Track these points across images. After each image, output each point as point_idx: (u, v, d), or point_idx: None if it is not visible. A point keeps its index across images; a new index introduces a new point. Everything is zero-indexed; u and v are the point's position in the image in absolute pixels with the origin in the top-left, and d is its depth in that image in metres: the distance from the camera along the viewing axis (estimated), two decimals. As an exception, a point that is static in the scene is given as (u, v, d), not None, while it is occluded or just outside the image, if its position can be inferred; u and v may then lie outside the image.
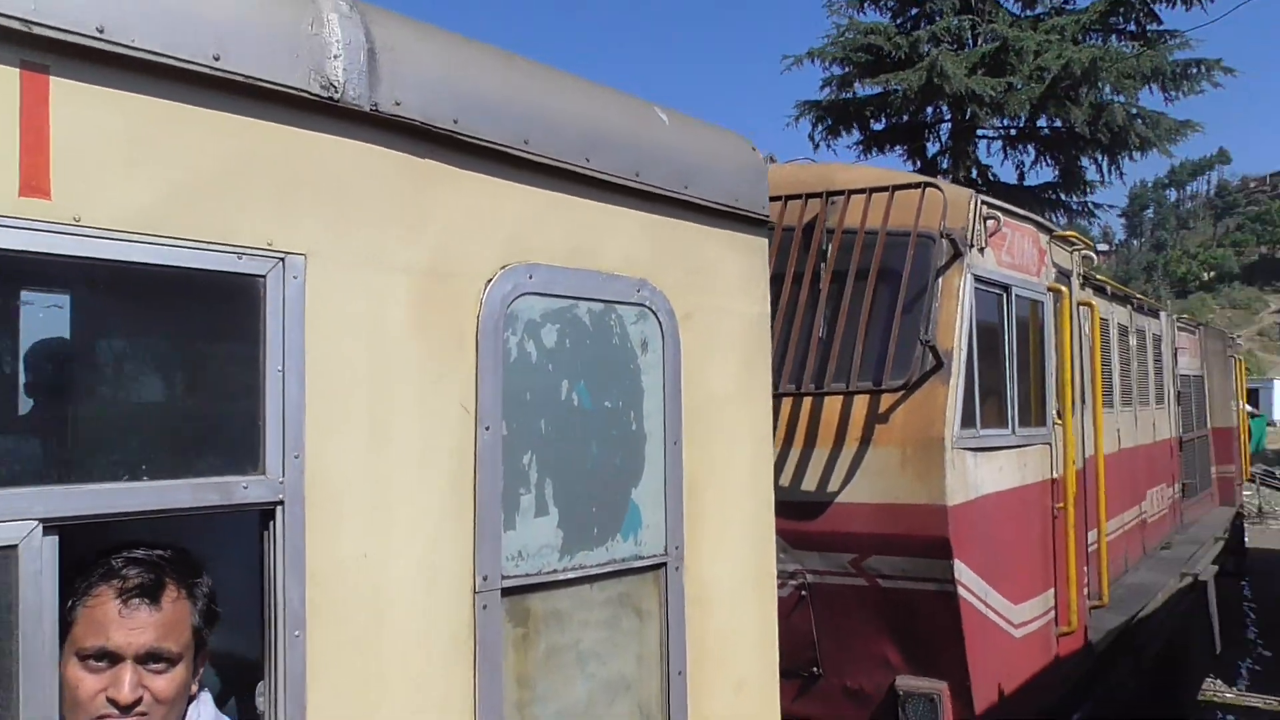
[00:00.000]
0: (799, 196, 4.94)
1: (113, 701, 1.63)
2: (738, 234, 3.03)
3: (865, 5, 21.28)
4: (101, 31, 1.67)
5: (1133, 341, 9.34)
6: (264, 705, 1.89)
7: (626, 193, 2.65)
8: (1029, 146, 21.77)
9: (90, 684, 1.63)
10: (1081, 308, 6.50)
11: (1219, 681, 10.67)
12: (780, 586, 3.79)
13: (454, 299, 2.22)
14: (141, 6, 1.73)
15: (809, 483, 4.64)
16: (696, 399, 2.79)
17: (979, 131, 21.11)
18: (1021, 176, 21.85)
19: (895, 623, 4.63)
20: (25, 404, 1.79)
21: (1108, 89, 19.47)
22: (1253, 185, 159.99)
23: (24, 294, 1.71)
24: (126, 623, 1.65)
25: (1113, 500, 7.09)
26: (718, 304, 2.92)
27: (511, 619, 2.29)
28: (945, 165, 21.42)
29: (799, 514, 4.49)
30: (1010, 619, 4.95)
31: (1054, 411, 5.63)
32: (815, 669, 4.77)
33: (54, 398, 1.75)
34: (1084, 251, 6.52)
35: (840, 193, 4.89)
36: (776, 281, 3.34)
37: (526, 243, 2.39)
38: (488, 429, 2.24)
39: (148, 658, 1.67)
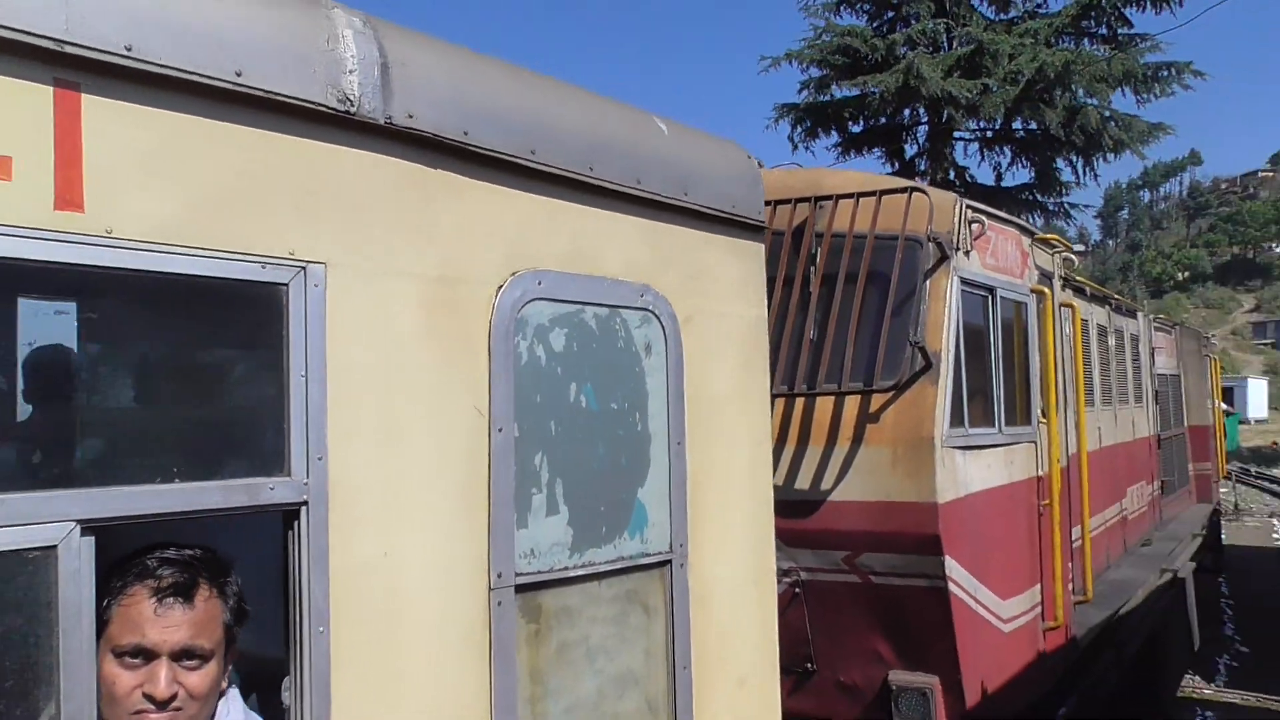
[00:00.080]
0: (788, 201, 5.03)
1: (149, 697, 1.68)
2: (735, 239, 3.10)
3: (841, 8, 21.45)
4: (130, 50, 1.73)
5: (1111, 341, 9.49)
6: (289, 699, 1.95)
7: (628, 200, 2.72)
8: (1005, 148, 21.98)
9: (127, 680, 1.69)
10: (1063, 309, 6.63)
11: (1197, 678, 10.82)
12: (775, 584, 3.85)
13: (465, 305, 2.29)
14: (167, 26, 1.79)
15: (802, 481, 4.73)
16: (698, 400, 2.86)
17: (956, 134, 21.31)
18: (999, 178, 22.08)
19: (887, 618, 4.72)
20: (63, 410, 1.84)
21: (1081, 92, 19.73)
22: (1224, 186, 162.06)
23: (60, 305, 1.76)
24: (161, 621, 1.71)
25: (1095, 497, 7.22)
26: (717, 307, 3.00)
27: (524, 615, 2.35)
28: (923, 167, 21.59)
29: (792, 512, 4.57)
30: (999, 614, 5.05)
31: (1038, 410, 5.75)
32: (809, 665, 4.85)
33: (89, 404, 1.80)
34: (1065, 254, 6.65)
35: (829, 197, 4.99)
36: (767, 285, 3.42)
37: (533, 249, 2.45)
38: (500, 431, 2.30)
39: (182, 655, 1.72)
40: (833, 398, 4.75)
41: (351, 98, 2.06)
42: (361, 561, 2.02)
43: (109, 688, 1.68)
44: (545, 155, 2.46)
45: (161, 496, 1.74)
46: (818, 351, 4.73)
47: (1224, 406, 20.32)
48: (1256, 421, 63.39)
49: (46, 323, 1.77)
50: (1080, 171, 21.55)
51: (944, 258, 4.77)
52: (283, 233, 1.94)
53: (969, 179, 21.69)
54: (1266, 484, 31.71)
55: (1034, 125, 20.61)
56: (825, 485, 4.72)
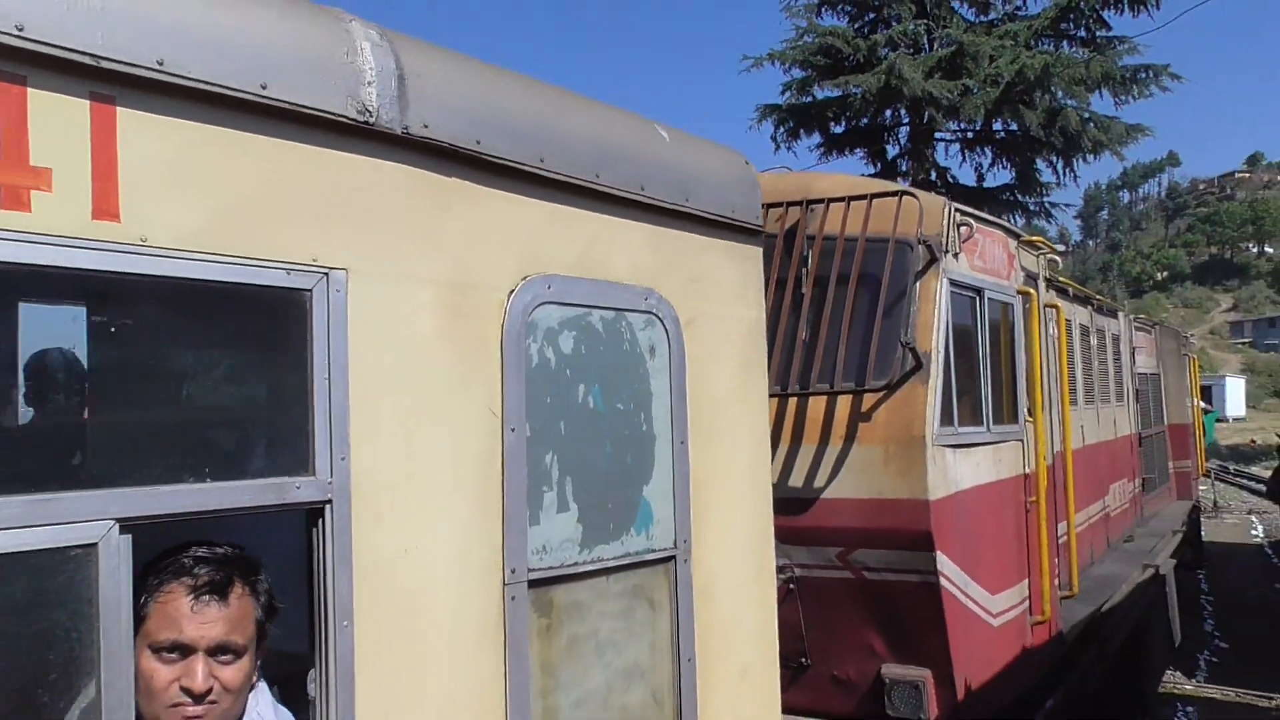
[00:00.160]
0: (780, 205, 5.12)
1: (186, 690, 1.74)
2: (734, 243, 3.18)
3: (823, 9, 21.58)
4: (162, 64, 1.79)
5: (1093, 341, 9.64)
6: (315, 691, 2.01)
7: (632, 205, 2.79)
8: (986, 149, 22.16)
9: (164, 674, 1.75)
10: (1048, 309, 6.75)
11: (1178, 674, 10.95)
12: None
13: (479, 309, 2.36)
14: (197, 39, 1.85)
15: (796, 480, 4.82)
16: (700, 400, 2.94)
17: (937, 135, 21.48)
18: (980, 179, 22.26)
19: (880, 613, 4.82)
20: (100, 412, 1.90)
21: (1060, 94, 19.94)
22: (1202, 187, 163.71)
23: (97, 311, 1.82)
24: (198, 618, 1.77)
25: (1079, 494, 7.34)
26: (717, 310, 3.08)
27: (536, 610, 2.43)
28: (905, 168, 21.75)
29: (786, 510, 4.64)
30: (989, 609, 5.15)
31: (1025, 409, 5.86)
32: (803, 659, 4.93)
33: (125, 406, 1.86)
34: (1049, 256, 6.78)
35: (820, 200, 5.08)
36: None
37: (543, 254, 2.53)
38: (513, 431, 2.37)
39: (217, 650, 1.79)
40: (825, 397, 4.85)
41: (370, 108, 2.13)
42: (383, 558, 2.09)
43: (147, 682, 1.74)
44: (554, 163, 2.53)
45: (195, 496, 1.80)
46: (810, 352, 4.82)
47: (1203, 405, 20.57)
48: (1234, 420, 64.04)
49: (84, 329, 1.83)
50: (1060, 172, 21.77)
51: (933, 260, 4.87)
52: (306, 240, 2.01)
53: (950, 180, 21.86)
54: (1245, 481, 32.08)
55: (1014, 126, 20.80)
56: (819, 483, 4.81)
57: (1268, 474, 25.17)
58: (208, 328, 1.94)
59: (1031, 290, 6.13)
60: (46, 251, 1.64)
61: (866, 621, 4.86)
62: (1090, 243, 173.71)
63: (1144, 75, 20.42)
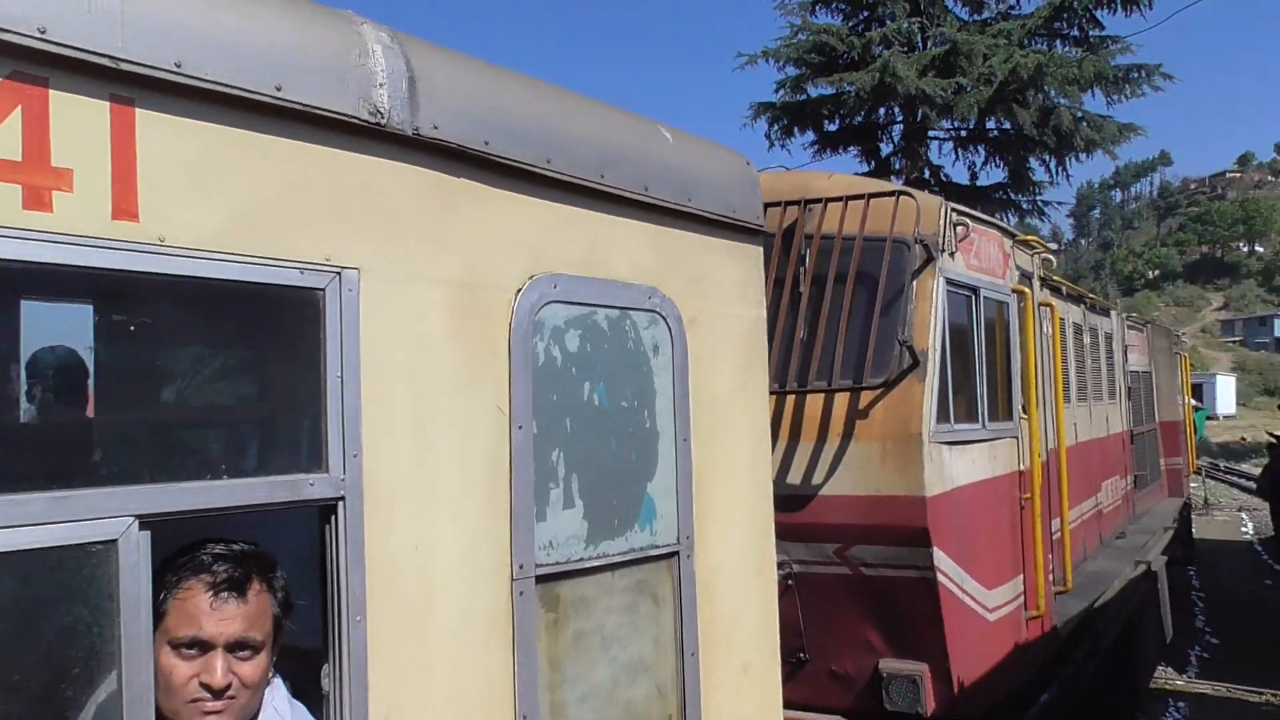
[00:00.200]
0: (778, 204, 5.15)
1: (206, 686, 1.77)
2: (735, 242, 3.22)
3: (817, 7, 21.61)
4: (179, 66, 1.82)
5: (1086, 339, 9.70)
6: (328, 685, 2.04)
7: (636, 206, 2.82)
8: (979, 148, 22.21)
9: (184, 670, 1.78)
10: (1042, 308, 6.80)
11: (1169, 670, 11.02)
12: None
13: (486, 308, 2.39)
14: (213, 42, 1.88)
15: (794, 477, 4.86)
16: (702, 398, 2.97)
17: (931, 133, 21.53)
18: (974, 177, 22.33)
19: (878, 609, 4.86)
20: (119, 410, 1.92)
21: (1053, 93, 20.01)
22: (1193, 186, 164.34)
23: (117, 310, 1.85)
24: (217, 614, 1.79)
25: (1072, 491, 7.40)
26: (719, 309, 3.11)
27: (544, 605, 2.46)
28: (898, 166, 21.80)
29: (785, 506, 4.67)
30: (984, 604, 5.20)
31: (1020, 407, 5.91)
32: (801, 654, 4.98)
33: (142, 404, 1.89)
34: (1043, 255, 6.83)
35: (818, 200, 5.12)
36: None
37: (549, 254, 2.56)
38: (520, 428, 2.40)
39: (235, 646, 1.81)
40: (823, 395, 4.89)
41: (381, 110, 2.16)
42: (394, 553, 2.12)
43: (166, 677, 1.77)
44: (560, 164, 2.56)
45: (212, 492, 1.83)
46: (808, 350, 4.86)
47: (1193, 403, 20.69)
48: (1225, 417, 64.35)
49: (104, 328, 1.86)
50: (1053, 171, 21.85)
51: (930, 259, 4.91)
52: (319, 240, 2.03)
53: (944, 178, 21.91)
54: (1235, 479, 32.27)
55: (1007, 125, 20.87)
56: (816, 480, 4.85)
57: (1258, 471, 25.31)
58: (224, 327, 1.97)
59: (1026, 289, 6.18)
60: (68, 251, 1.67)
61: (864, 617, 4.90)
62: (1082, 241, 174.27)
63: (1136, 75, 20.51)
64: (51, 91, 1.67)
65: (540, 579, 2.43)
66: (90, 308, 1.89)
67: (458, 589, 2.25)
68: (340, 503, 2.02)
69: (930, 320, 4.83)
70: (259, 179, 1.95)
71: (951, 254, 5.06)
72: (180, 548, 1.87)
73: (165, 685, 1.77)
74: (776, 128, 21.89)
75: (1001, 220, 6.52)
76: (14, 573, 1.60)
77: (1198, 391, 31.10)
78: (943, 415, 4.86)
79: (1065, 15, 20.64)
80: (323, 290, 2.03)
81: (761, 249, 3.35)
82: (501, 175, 2.44)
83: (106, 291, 1.80)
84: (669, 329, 2.87)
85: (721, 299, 3.14)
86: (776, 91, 21.65)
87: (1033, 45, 20.50)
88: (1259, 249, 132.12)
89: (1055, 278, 8.55)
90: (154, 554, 1.76)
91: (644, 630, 2.76)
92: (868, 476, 4.75)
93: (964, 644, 4.90)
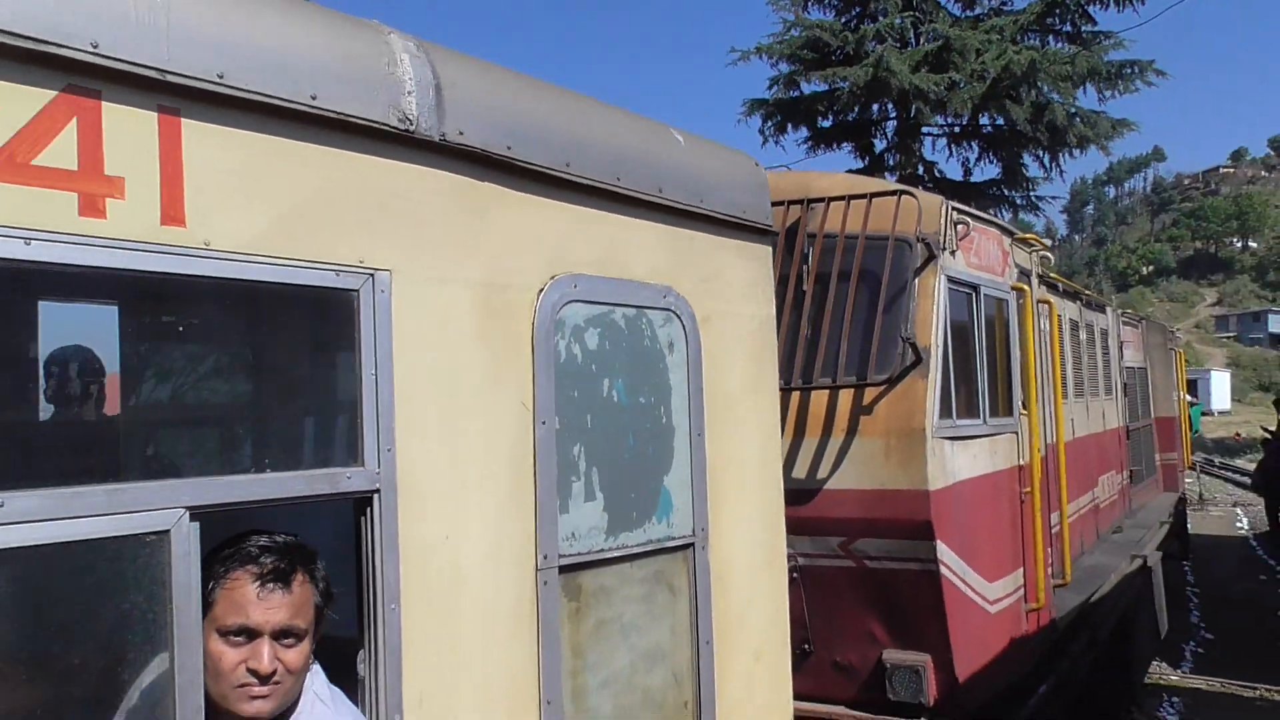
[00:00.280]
0: (781, 203, 5.23)
1: (253, 672, 1.85)
2: (745, 242, 3.30)
3: (809, 3, 21.67)
4: (222, 77, 1.90)
5: (1083, 336, 9.80)
6: (364, 670, 2.13)
7: (651, 207, 2.91)
8: (973, 144, 22.28)
9: (232, 656, 1.86)
10: (1041, 305, 6.89)
11: (1164, 665, 11.10)
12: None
13: (510, 308, 2.47)
14: (253, 53, 1.95)
15: (799, 471, 4.95)
16: (715, 395, 3.06)
17: (924, 129, 21.61)
18: (967, 173, 22.41)
19: (881, 601, 4.95)
20: (169, 406, 2.00)
21: (1046, 88, 20.11)
22: (1187, 182, 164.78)
23: (165, 313, 1.93)
24: (264, 604, 1.87)
25: (1070, 486, 7.49)
26: (730, 308, 3.19)
27: (566, 594, 2.54)
28: (892, 162, 21.86)
29: (790, 501, 4.71)
30: (986, 596, 5.29)
31: (1019, 402, 6.00)
32: (806, 646, 5.06)
33: (190, 400, 1.97)
34: (1042, 252, 6.93)
35: (821, 199, 5.20)
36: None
37: (569, 254, 2.64)
38: (544, 424, 2.49)
39: (281, 634, 1.89)
40: (827, 391, 4.98)
41: (410, 117, 2.24)
42: (426, 544, 2.20)
43: (215, 663, 1.85)
44: (579, 167, 2.64)
45: (256, 485, 1.91)
46: (813, 347, 4.95)
47: (1189, 398, 20.80)
48: (1220, 413, 64.59)
49: (151, 329, 1.93)
50: (1047, 166, 21.94)
51: (932, 257, 5.00)
52: (353, 243, 2.11)
53: (938, 174, 21.99)
54: (1230, 474, 32.43)
55: (1001, 121, 20.96)
56: (821, 475, 4.94)
57: (1252, 467, 25.45)
58: (264, 328, 2.05)
59: (1025, 286, 6.27)
60: (122, 256, 1.74)
61: (868, 609, 4.99)
62: (1076, 237, 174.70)
63: (1129, 71, 20.60)
64: (104, 103, 1.75)
65: (563, 569, 2.51)
66: (140, 310, 1.97)
67: (486, 578, 2.34)
68: (375, 495, 2.10)
69: (932, 317, 4.92)
70: (296, 184, 2.03)
71: (953, 252, 5.15)
72: (225, 540, 1.95)
73: (214, 670, 1.85)
74: (770, 124, 21.95)
75: (995, 216, 6.61)
76: (74, 561, 1.68)
77: (1193, 387, 31.22)
78: (945, 411, 4.94)
79: (1058, 11, 20.73)
80: (357, 291, 2.11)
81: (770, 249, 3.43)
82: (523, 179, 2.52)
83: (155, 294, 1.87)
84: (683, 327, 2.95)
85: (733, 298, 3.22)
86: (770, 88, 21.73)
87: (1025, 41, 20.58)
88: (1253, 244, 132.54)
89: (1052, 274, 8.64)
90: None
91: (661, 619, 2.85)
92: (872, 471, 4.84)
93: (966, 635, 4.99)
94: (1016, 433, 5.91)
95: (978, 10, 21.69)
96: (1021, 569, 5.87)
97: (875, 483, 4.83)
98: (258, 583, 1.87)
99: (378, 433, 2.11)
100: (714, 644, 2.97)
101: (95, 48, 1.72)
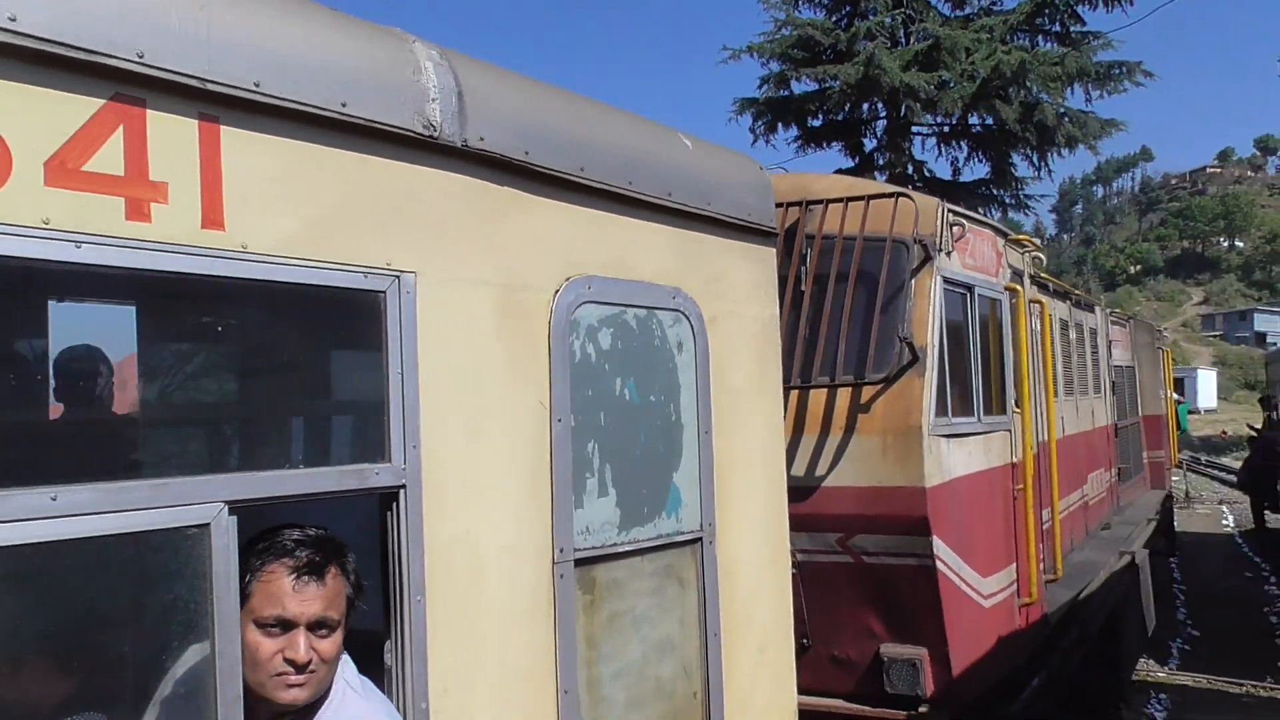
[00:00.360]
0: (780, 205, 5.31)
1: (290, 661, 1.93)
2: (750, 244, 3.38)
3: (800, 2, 21.75)
4: (258, 85, 1.97)
5: (1072, 335, 9.92)
6: (390, 660, 2.20)
7: (660, 210, 2.98)
8: (962, 143, 22.39)
9: (269, 646, 1.93)
10: (1033, 305, 7.00)
11: (1151, 661, 11.22)
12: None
13: (528, 308, 2.54)
14: (287, 63, 2.02)
15: (798, 469, 5.03)
16: (721, 393, 3.14)
17: (914, 128, 21.72)
18: (956, 172, 22.53)
19: (879, 596, 5.05)
20: (209, 404, 2.07)
21: (1035, 89, 20.24)
22: (1174, 182, 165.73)
23: (205, 313, 1.99)
24: (299, 596, 1.94)
25: (1060, 483, 7.61)
26: (735, 308, 3.27)
27: (581, 587, 2.62)
28: (882, 161, 21.96)
29: (789, 497, 4.84)
30: (981, 591, 5.39)
31: (1013, 401, 6.11)
32: (804, 641, 5.14)
33: (229, 398, 2.03)
34: (1034, 253, 7.04)
35: (819, 201, 5.29)
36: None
37: (583, 257, 2.71)
38: (560, 421, 2.56)
39: (316, 625, 1.96)
40: (825, 390, 5.06)
41: (434, 123, 2.31)
42: (449, 538, 2.27)
43: (252, 653, 1.92)
44: (592, 171, 2.72)
45: (290, 481, 1.98)
46: (811, 347, 5.04)
47: (1175, 396, 20.99)
48: (1206, 411, 65.03)
49: (191, 329, 2.00)
50: (1036, 166, 22.07)
51: (928, 258, 5.09)
52: (380, 245, 2.19)
53: (927, 173, 22.11)
54: (1216, 472, 32.70)
55: (990, 120, 21.08)
56: (820, 472, 5.03)
57: (1238, 465, 25.69)
58: (297, 327, 2.11)
59: (1018, 286, 6.37)
60: (167, 259, 1.81)
61: (866, 604, 5.09)
62: (1065, 236, 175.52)
63: (1118, 71, 20.75)
64: (149, 111, 1.82)
65: (579, 562, 2.59)
66: (180, 311, 2.03)
67: (505, 571, 2.41)
68: (401, 490, 2.17)
69: (928, 318, 5.01)
70: (326, 189, 2.10)
71: (948, 253, 5.25)
72: (258, 534, 2.02)
73: (251, 660, 1.92)
74: (760, 123, 22.02)
75: (985, 216, 6.71)
76: (120, 553, 1.75)
77: (1179, 385, 31.50)
78: (941, 409, 5.04)
79: (1047, 11, 20.87)
80: (384, 292, 2.18)
81: (774, 251, 3.51)
82: (540, 183, 2.59)
83: (195, 295, 1.94)
84: (692, 327, 3.03)
85: (738, 299, 3.30)
86: (760, 87, 21.81)
87: (1015, 41, 20.71)
88: (1239, 244, 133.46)
89: (1043, 274, 8.76)
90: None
91: (671, 612, 2.93)
92: (869, 468, 4.93)
93: (961, 629, 5.09)
94: (1009, 431, 6.02)
95: (968, 10, 21.82)
96: (1015, 564, 5.98)
97: (873, 480, 4.92)
98: (293, 575, 1.94)
99: (404, 430, 2.18)
100: (721, 637, 3.06)
101: (141, 57, 1.79)
